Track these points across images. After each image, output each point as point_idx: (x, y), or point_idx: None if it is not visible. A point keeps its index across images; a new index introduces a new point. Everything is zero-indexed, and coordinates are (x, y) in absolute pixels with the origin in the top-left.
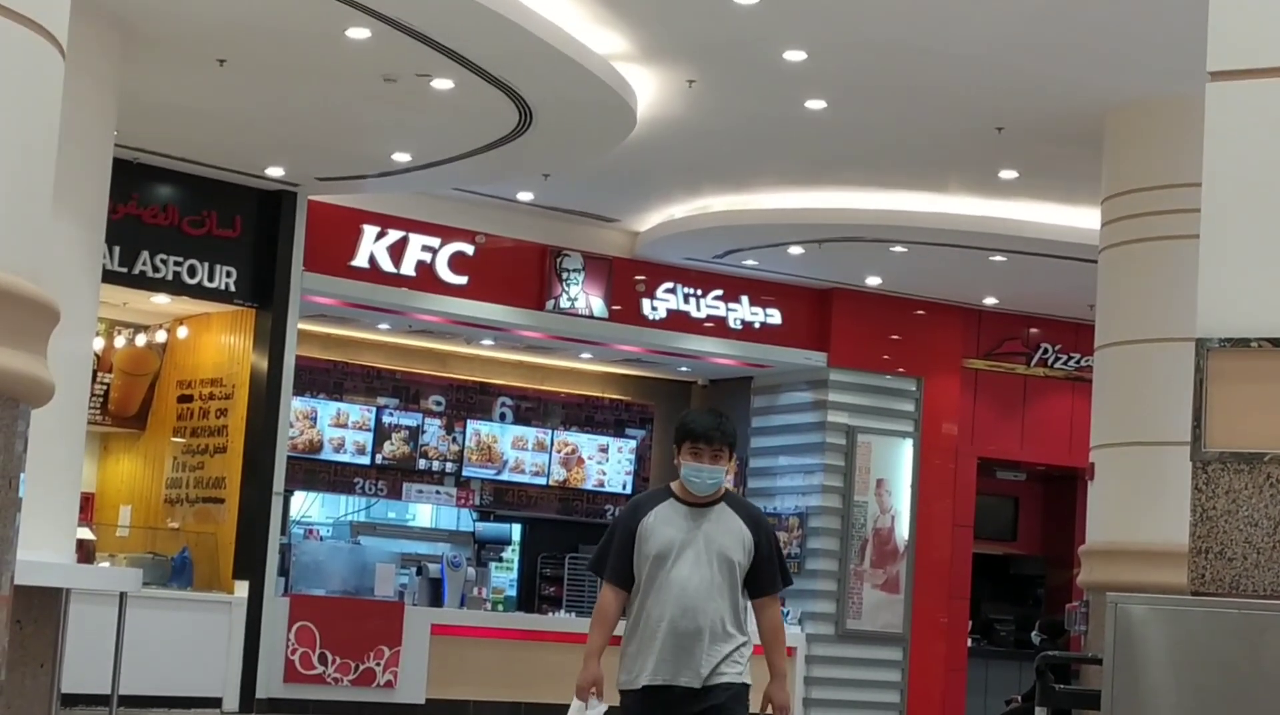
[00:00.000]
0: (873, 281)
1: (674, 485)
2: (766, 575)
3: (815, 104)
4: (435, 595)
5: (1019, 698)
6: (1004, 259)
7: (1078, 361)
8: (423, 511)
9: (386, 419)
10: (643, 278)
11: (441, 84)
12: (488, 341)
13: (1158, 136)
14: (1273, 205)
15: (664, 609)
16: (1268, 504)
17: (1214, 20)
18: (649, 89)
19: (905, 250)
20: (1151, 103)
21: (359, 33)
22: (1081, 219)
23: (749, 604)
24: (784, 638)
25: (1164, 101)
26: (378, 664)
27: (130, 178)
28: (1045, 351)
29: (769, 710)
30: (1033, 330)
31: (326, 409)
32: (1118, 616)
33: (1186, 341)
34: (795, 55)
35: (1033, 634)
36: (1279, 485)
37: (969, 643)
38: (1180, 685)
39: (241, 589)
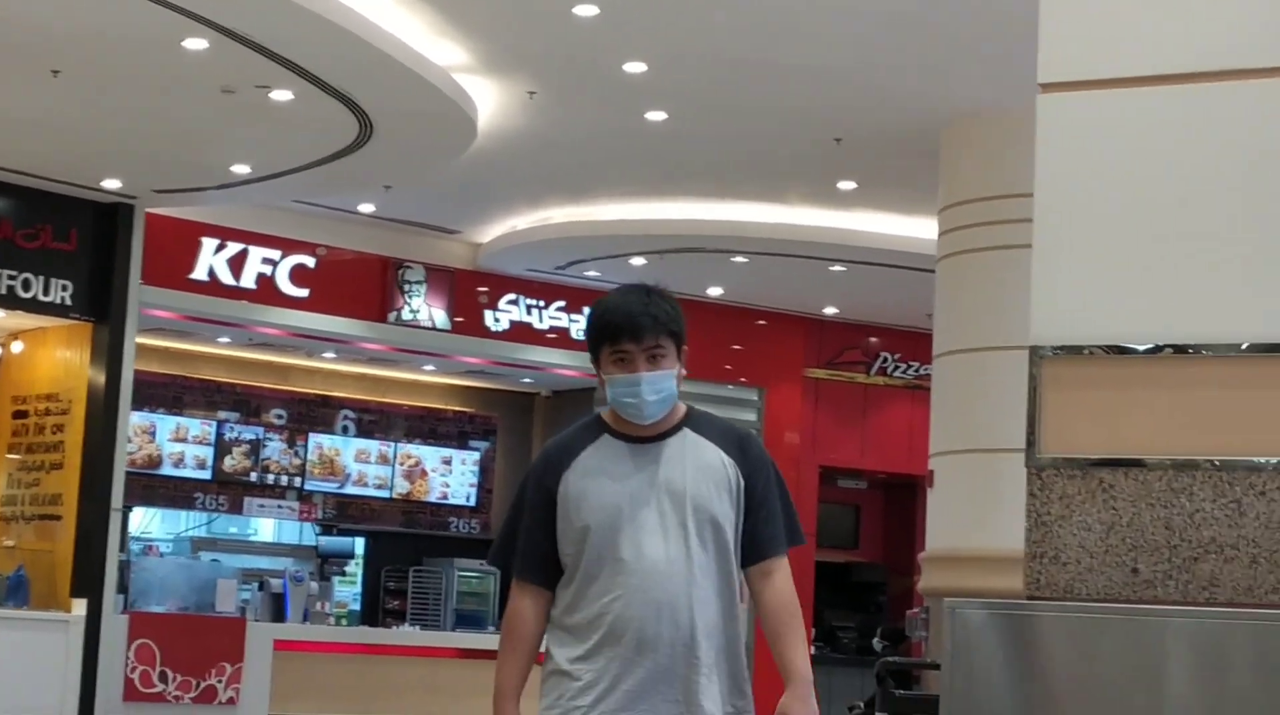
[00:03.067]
0: (714, 292)
1: (606, 414)
2: (765, 528)
3: (656, 115)
4: (278, 610)
5: (861, 704)
6: (843, 269)
7: (916, 370)
8: (264, 526)
9: (227, 433)
10: (485, 289)
11: (281, 95)
12: (329, 354)
13: (992, 148)
14: (1102, 215)
15: (628, 611)
16: (1100, 509)
17: (1044, 33)
18: (490, 100)
19: (746, 261)
20: (986, 114)
21: (196, 43)
22: (919, 229)
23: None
24: (799, 620)
25: (998, 113)
26: (219, 681)
27: None
28: (885, 360)
29: None
30: (872, 339)
31: (166, 423)
32: (955, 622)
33: (1021, 349)
34: (635, 67)
35: (874, 641)
36: (1111, 490)
37: (812, 650)
38: (1017, 688)
39: (79, 607)
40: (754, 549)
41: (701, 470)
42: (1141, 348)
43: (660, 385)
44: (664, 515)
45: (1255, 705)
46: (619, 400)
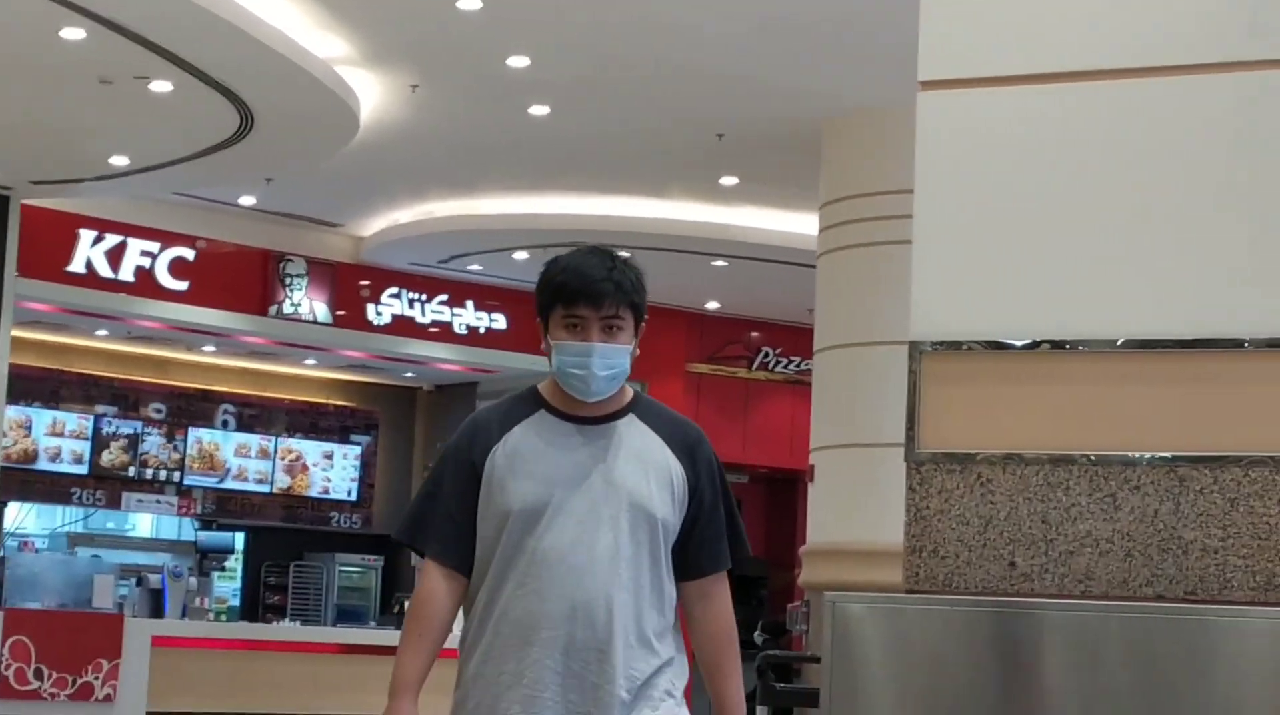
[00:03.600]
0: None
1: (543, 387)
2: (708, 539)
3: (539, 110)
4: (156, 606)
5: None
6: (725, 264)
7: (798, 365)
8: (143, 521)
9: (105, 427)
10: (368, 283)
11: (160, 86)
12: (209, 347)
13: (872, 144)
14: (981, 213)
15: (539, 606)
16: (979, 503)
17: (924, 31)
18: (372, 94)
19: (628, 255)
20: (866, 111)
21: (73, 33)
22: (801, 225)
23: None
24: (736, 649)
25: (878, 110)
26: (96, 677)
27: None
28: (766, 355)
29: None
30: (754, 334)
31: (42, 417)
32: (835, 615)
33: (901, 345)
34: (518, 61)
35: (755, 634)
36: (989, 485)
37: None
38: (896, 681)
39: None
40: (693, 564)
41: (644, 464)
42: (1019, 344)
43: (614, 360)
44: (595, 505)
45: (1129, 696)
46: (565, 370)
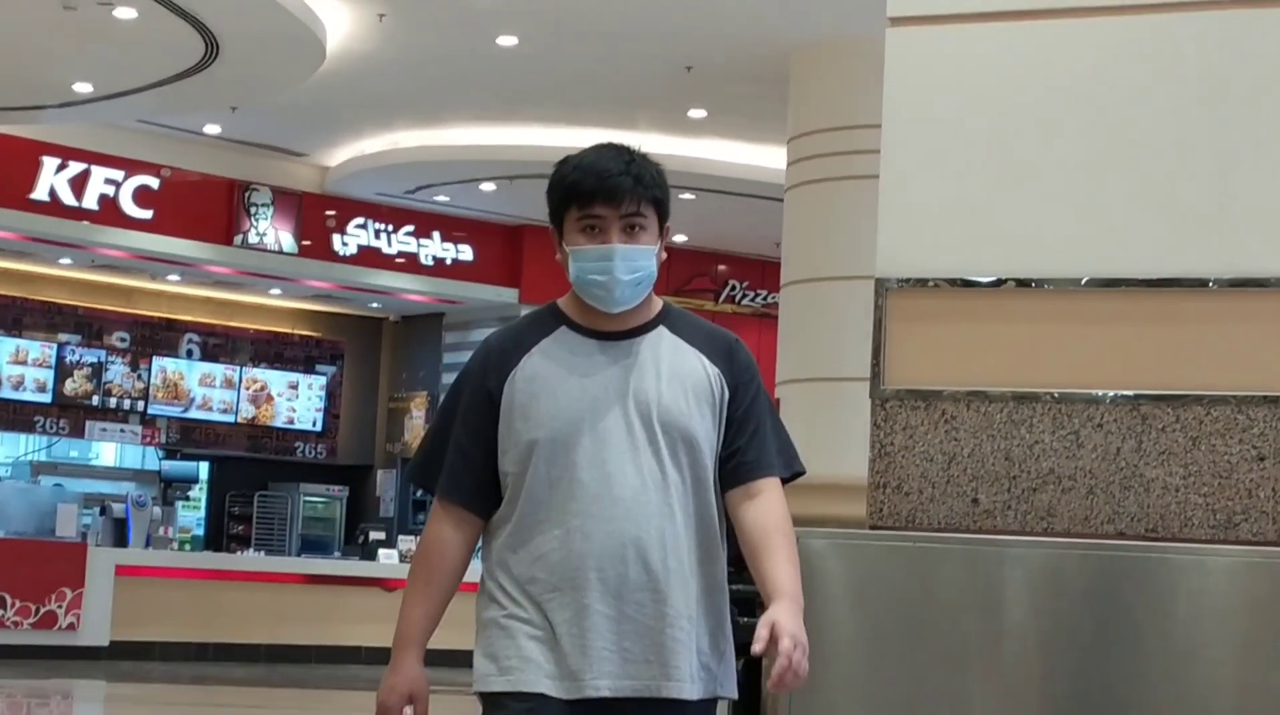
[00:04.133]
0: None
1: (564, 302)
2: (751, 448)
3: (507, 40)
4: (120, 535)
5: None
6: (693, 197)
7: (765, 298)
8: (107, 450)
9: (68, 356)
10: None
11: (124, 13)
12: (174, 277)
13: (841, 78)
14: (948, 149)
15: (583, 546)
16: (943, 440)
17: None
18: (340, 22)
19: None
20: (835, 44)
21: None
22: (768, 158)
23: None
24: (790, 542)
25: (847, 43)
26: (59, 606)
27: None
28: (733, 288)
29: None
30: (721, 267)
31: (4, 346)
32: (800, 551)
33: (868, 280)
34: None
35: None
36: (954, 421)
37: None
38: (859, 616)
39: None
40: (738, 471)
41: (678, 378)
42: (985, 281)
43: (638, 262)
44: (632, 429)
45: (1090, 632)
46: (584, 278)
